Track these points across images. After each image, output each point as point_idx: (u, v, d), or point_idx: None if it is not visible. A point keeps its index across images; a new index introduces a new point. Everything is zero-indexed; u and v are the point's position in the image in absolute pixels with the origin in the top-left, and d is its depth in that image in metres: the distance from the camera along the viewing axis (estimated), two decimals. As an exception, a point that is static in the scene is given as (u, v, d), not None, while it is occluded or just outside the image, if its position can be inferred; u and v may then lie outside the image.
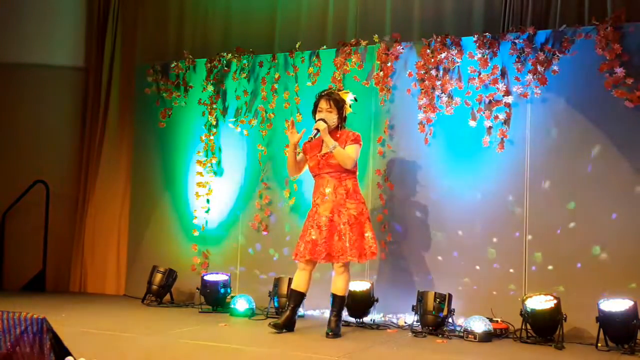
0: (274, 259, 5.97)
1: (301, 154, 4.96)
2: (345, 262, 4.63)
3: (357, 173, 4.86)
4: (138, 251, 6.66)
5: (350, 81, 5.77)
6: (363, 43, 5.76)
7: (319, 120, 4.72)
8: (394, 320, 5.34)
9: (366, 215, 4.74)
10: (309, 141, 4.85)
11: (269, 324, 4.68)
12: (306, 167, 4.96)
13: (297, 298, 4.78)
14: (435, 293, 4.83)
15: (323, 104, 4.76)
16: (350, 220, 4.63)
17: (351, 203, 4.68)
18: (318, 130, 4.68)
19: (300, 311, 5.40)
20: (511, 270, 5.13)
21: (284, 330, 4.69)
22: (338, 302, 4.70)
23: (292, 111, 5.97)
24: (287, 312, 4.75)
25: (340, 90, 4.97)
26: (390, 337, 4.75)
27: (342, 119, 4.81)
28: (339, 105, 4.78)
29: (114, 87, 7.10)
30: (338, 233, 4.63)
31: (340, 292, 4.69)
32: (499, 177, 5.23)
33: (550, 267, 5.02)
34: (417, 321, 4.90)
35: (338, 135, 4.75)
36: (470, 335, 4.61)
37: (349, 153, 4.68)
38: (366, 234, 4.69)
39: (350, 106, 4.89)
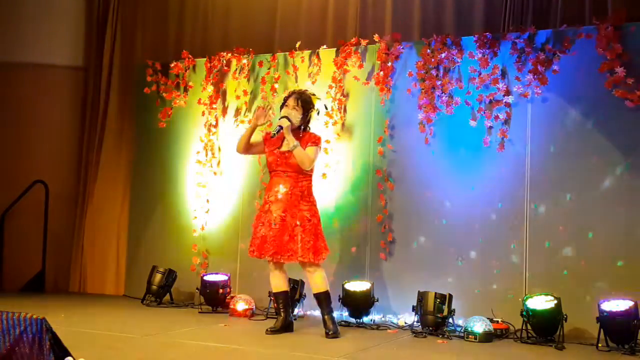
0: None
1: (257, 140, 4.93)
2: (301, 262, 4.63)
3: (313, 175, 4.82)
4: (138, 251, 6.65)
5: (350, 81, 5.77)
6: (363, 43, 5.76)
7: (282, 117, 4.69)
8: (394, 321, 5.33)
9: (318, 217, 4.72)
10: (270, 137, 4.79)
11: (266, 331, 4.67)
12: (258, 153, 5.01)
13: (283, 298, 4.78)
14: (435, 293, 4.82)
15: (291, 101, 4.74)
16: (302, 222, 4.61)
17: (304, 205, 4.66)
18: (281, 127, 4.66)
19: (300, 312, 5.41)
20: (511, 270, 5.12)
21: (283, 333, 4.68)
22: (324, 299, 4.68)
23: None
24: (281, 315, 4.75)
25: (314, 95, 4.92)
26: (391, 338, 4.75)
27: (306, 121, 4.79)
28: (306, 107, 4.75)
29: (113, 87, 7.09)
30: (289, 233, 4.61)
31: (321, 289, 4.68)
32: (500, 177, 5.22)
33: (551, 267, 5.01)
34: (417, 321, 4.89)
35: (300, 136, 4.72)
36: (470, 336, 4.61)
37: (309, 154, 4.65)
38: (321, 235, 4.69)
39: (317, 113, 4.88)
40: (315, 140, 4.73)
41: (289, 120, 4.66)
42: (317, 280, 4.68)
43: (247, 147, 4.91)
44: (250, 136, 4.87)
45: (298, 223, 4.60)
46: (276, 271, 4.76)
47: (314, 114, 4.85)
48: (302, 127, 4.78)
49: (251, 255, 4.78)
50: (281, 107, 4.82)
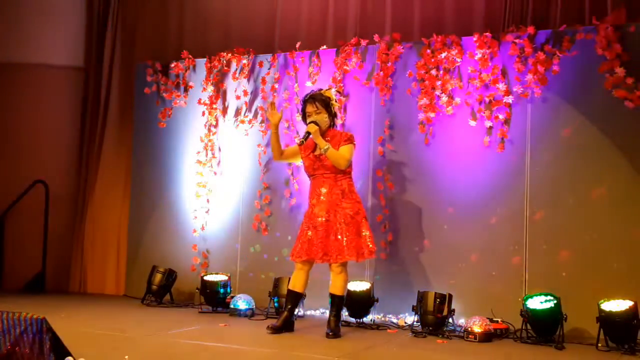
0: (274, 259, 5.96)
1: (292, 147, 5.00)
2: (343, 262, 4.64)
3: (352, 172, 4.84)
4: (138, 251, 6.66)
5: (351, 81, 5.78)
6: (363, 43, 5.76)
7: (310, 123, 4.71)
8: (394, 321, 5.33)
9: (362, 215, 4.73)
10: (299, 144, 4.80)
11: (267, 327, 4.68)
12: (294, 159, 5.02)
13: (295, 298, 4.78)
14: (435, 293, 4.82)
15: (310, 108, 4.76)
16: (346, 220, 4.64)
17: (347, 203, 4.68)
18: (309, 133, 4.67)
19: (300, 312, 5.41)
20: (511, 270, 5.12)
21: (283, 332, 4.68)
22: (337, 302, 4.70)
23: (292, 111, 5.97)
24: (285, 313, 4.75)
25: (322, 89, 4.93)
26: (391, 337, 4.75)
27: (332, 116, 4.81)
28: (326, 104, 4.77)
29: (113, 87, 7.10)
30: (334, 233, 4.63)
31: (339, 292, 4.70)
32: (499, 177, 5.23)
33: (550, 266, 5.01)
34: (417, 321, 4.90)
35: (329, 138, 4.74)
36: (470, 336, 4.61)
37: (343, 153, 4.67)
38: (363, 233, 4.68)
39: (335, 100, 4.89)
40: (349, 138, 4.75)
41: (317, 124, 4.68)
42: (338, 283, 4.69)
43: (281, 152, 4.94)
44: (276, 139, 4.90)
45: (342, 221, 4.63)
46: (302, 271, 4.76)
47: (335, 104, 4.86)
48: (331, 125, 4.81)
49: (297, 259, 4.72)
50: (303, 119, 4.84)
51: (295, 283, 4.77)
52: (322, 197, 4.69)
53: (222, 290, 5.72)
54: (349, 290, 5.16)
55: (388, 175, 5.60)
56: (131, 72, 6.98)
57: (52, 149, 7.07)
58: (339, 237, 4.61)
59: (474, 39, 5.31)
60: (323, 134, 4.73)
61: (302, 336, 4.66)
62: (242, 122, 6.21)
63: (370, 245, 4.68)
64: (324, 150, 4.64)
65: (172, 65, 6.56)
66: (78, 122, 7.19)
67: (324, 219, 4.65)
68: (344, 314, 5.25)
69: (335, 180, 4.71)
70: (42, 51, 7.08)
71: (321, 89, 4.93)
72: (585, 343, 4.59)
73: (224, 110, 6.35)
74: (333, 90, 4.92)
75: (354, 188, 4.80)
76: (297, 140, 4.97)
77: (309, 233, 4.68)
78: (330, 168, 4.69)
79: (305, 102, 4.82)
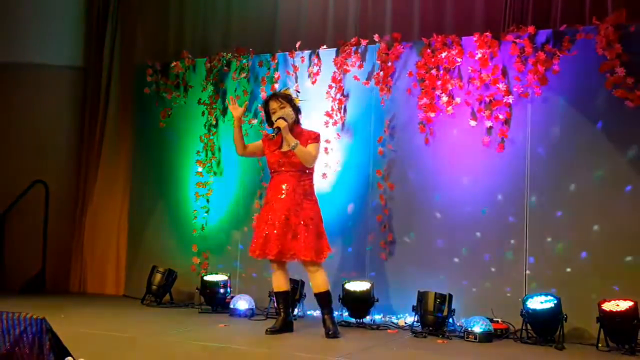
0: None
1: (256, 143, 4.99)
2: (303, 261, 4.64)
3: (314, 173, 4.85)
4: (138, 251, 6.66)
5: (350, 81, 5.77)
6: (363, 43, 5.76)
7: (278, 119, 4.70)
8: (394, 321, 5.33)
9: (320, 216, 4.74)
10: (268, 139, 4.80)
11: (266, 330, 4.67)
12: (258, 154, 5.00)
13: (283, 298, 4.79)
14: (435, 293, 4.82)
15: (274, 105, 4.76)
16: (305, 221, 4.63)
17: (307, 204, 4.68)
18: (279, 129, 4.66)
19: (300, 312, 5.41)
20: (511, 270, 5.12)
21: (283, 333, 4.68)
22: (324, 299, 4.69)
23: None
24: (281, 315, 4.76)
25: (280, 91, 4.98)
26: (391, 338, 4.75)
27: (296, 111, 4.81)
28: (289, 99, 4.79)
29: (113, 87, 7.10)
30: (293, 232, 4.62)
31: (322, 289, 4.69)
32: (499, 177, 5.23)
33: (550, 267, 5.01)
34: (417, 321, 4.90)
35: (297, 135, 4.72)
36: (470, 336, 4.61)
37: (310, 151, 4.68)
38: (322, 235, 4.70)
39: (297, 97, 4.92)
40: (315, 137, 4.76)
41: (285, 120, 4.68)
42: (318, 281, 4.69)
43: (244, 147, 4.92)
44: (239, 134, 4.89)
45: (302, 222, 4.62)
46: (278, 271, 4.77)
47: (297, 100, 4.87)
48: (296, 121, 4.80)
49: (253, 255, 4.76)
50: (268, 120, 4.84)
51: (278, 284, 4.79)
52: (282, 195, 4.66)
53: (222, 290, 5.72)
54: (348, 290, 5.16)
55: (388, 175, 5.59)
56: (131, 72, 6.98)
57: (52, 149, 7.06)
58: (298, 237, 4.60)
59: (474, 38, 5.31)
60: (290, 131, 4.71)
61: (302, 336, 4.66)
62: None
63: (327, 247, 4.71)
64: (292, 147, 4.63)
65: (172, 65, 6.55)
66: (78, 122, 7.18)
67: (283, 217, 4.63)
68: (344, 314, 5.26)
69: (299, 179, 4.69)
70: (42, 51, 7.07)
71: (280, 91, 4.96)
72: (585, 343, 4.60)
73: (224, 110, 6.35)
74: (291, 90, 4.97)
75: (314, 190, 4.80)
76: (270, 132, 4.92)
77: (266, 229, 4.66)
78: (296, 165, 4.68)
79: (267, 101, 4.83)
